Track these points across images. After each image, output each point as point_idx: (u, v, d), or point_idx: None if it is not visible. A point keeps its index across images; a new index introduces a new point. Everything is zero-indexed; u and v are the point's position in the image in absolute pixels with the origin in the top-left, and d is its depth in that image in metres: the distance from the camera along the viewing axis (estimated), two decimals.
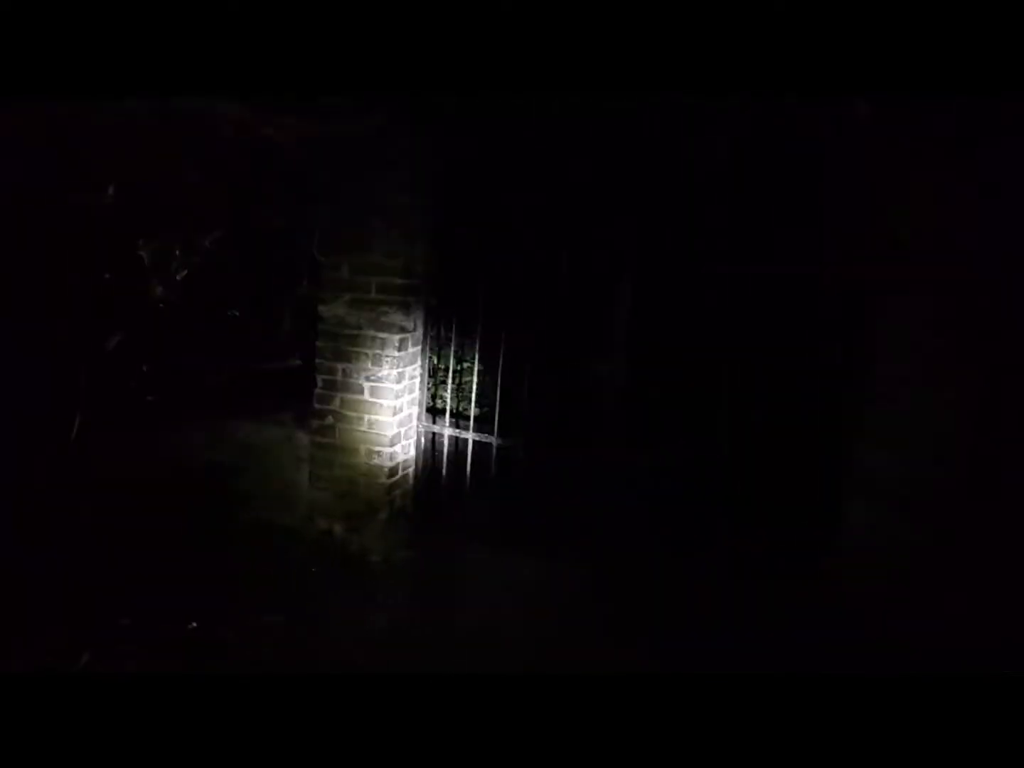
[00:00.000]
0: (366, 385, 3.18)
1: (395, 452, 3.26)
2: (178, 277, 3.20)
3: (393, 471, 3.28)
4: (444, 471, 3.36)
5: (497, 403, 3.18)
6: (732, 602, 2.77)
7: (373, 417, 3.20)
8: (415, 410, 3.37)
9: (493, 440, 3.20)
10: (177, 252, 3.11)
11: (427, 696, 1.53)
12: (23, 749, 1.22)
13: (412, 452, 3.42)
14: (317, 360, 3.26)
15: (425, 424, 3.39)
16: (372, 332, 3.14)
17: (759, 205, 2.86)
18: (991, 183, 2.33)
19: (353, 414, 3.22)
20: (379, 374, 3.16)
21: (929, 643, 2.33)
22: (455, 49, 1.56)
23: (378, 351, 3.14)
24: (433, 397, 3.54)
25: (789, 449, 2.87)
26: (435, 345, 3.40)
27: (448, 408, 3.41)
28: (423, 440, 3.40)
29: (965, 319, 2.38)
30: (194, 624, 2.10)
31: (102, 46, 1.50)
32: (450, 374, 3.33)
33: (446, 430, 3.35)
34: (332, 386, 3.24)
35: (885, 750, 1.35)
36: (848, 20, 1.46)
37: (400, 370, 3.19)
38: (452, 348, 3.29)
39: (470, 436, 3.26)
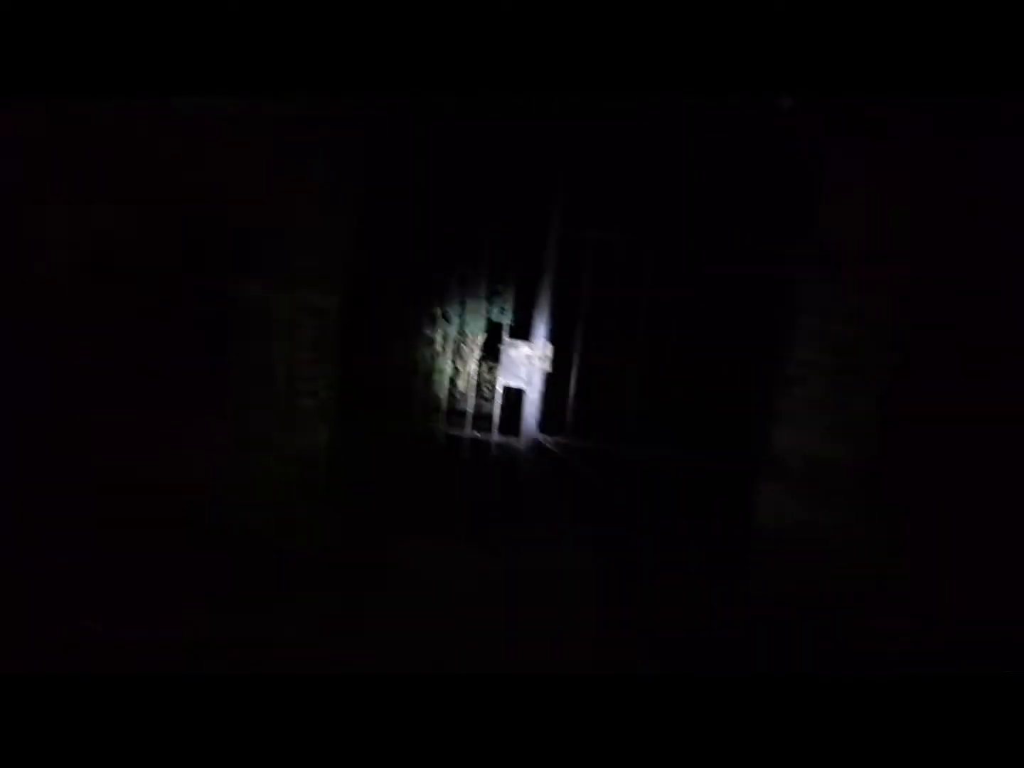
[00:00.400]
0: None
1: None
2: None
3: None
4: None
5: None
6: (644, 584, 2.94)
7: None
8: None
9: None
10: None
11: (424, 696, 1.54)
12: (23, 749, 1.23)
13: None
14: None
15: None
16: None
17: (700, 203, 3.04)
18: (919, 184, 2.49)
19: None
20: None
21: (839, 624, 2.55)
22: (455, 49, 1.57)
23: None
24: None
25: (707, 433, 3.10)
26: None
27: None
28: None
29: (878, 312, 2.57)
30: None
31: (100, 45, 1.51)
32: None
33: None
34: None
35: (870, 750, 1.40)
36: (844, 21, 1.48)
37: None
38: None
39: None
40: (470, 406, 3.40)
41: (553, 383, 3.67)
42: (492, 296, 3.35)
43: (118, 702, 1.39)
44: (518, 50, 1.58)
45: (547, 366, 3.22)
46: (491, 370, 3.36)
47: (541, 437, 3.27)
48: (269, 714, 1.43)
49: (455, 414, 3.41)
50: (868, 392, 2.63)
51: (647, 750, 1.40)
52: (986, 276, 2.46)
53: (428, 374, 3.58)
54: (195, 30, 1.52)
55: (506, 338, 3.24)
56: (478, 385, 3.77)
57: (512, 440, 3.30)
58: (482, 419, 3.44)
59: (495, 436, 3.31)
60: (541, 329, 3.18)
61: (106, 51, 1.54)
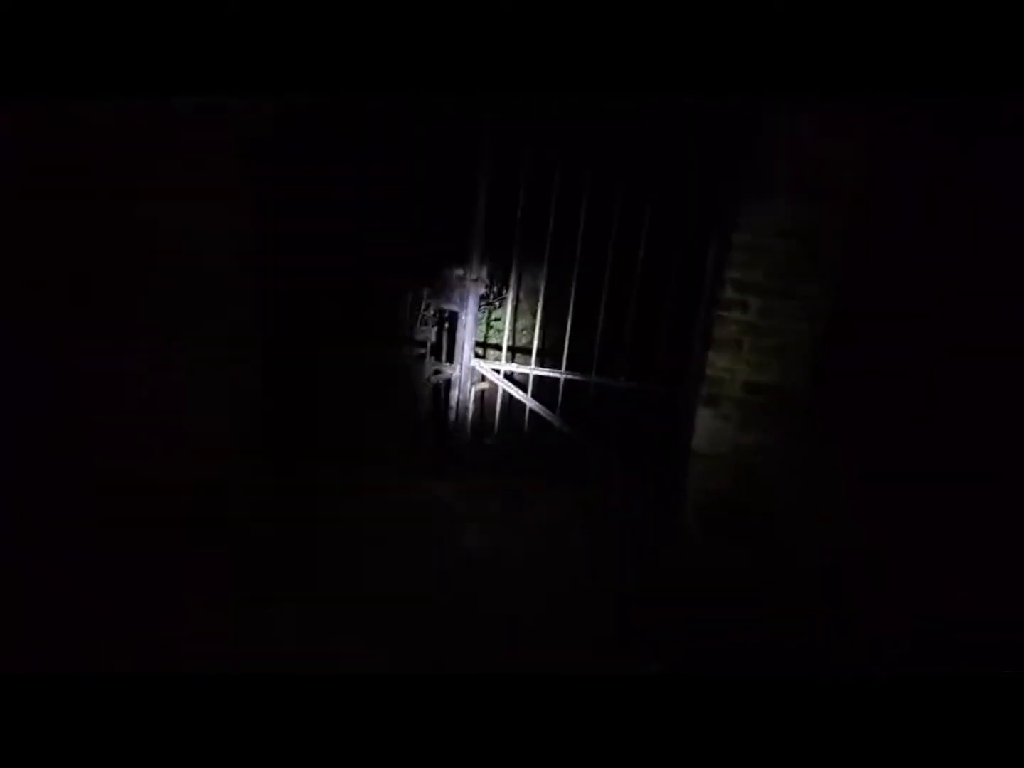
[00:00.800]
0: None
1: None
2: None
3: None
4: None
5: None
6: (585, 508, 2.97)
7: None
8: None
9: None
10: None
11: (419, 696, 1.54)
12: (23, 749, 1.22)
13: None
14: None
15: None
16: None
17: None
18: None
19: None
20: None
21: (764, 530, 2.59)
22: (456, 48, 1.55)
23: None
24: None
25: (652, 361, 3.01)
26: None
27: None
28: None
29: (817, 229, 2.47)
30: None
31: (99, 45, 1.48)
32: None
33: None
34: None
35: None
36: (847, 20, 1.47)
37: None
38: None
39: None
40: (409, 332, 3.27)
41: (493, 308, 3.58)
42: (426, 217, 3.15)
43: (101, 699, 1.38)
44: (518, 50, 1.58)
45: (481, 288, 3.08)
46: (429, 295, 3.21)
47: (476, 364, 3.17)
48: (268, 714, 1.42)
49: (394, 340, 3.29)
50: (803, 314, 2.52)
51: (643, 750, 1.40)
52: (928, 195, 2.31)
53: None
54: (195, 30, 1.50)
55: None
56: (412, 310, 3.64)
57: (446, 366, 3.20)
58: (419, 346, 3.34)
59: (429, 362, 3.20)
60: (477, 250, 3.02)
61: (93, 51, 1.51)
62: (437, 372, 3.20)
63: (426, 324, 3.20)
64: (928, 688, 1.50)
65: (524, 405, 3.17)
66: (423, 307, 3.17)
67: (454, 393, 3.18)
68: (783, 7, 1.47)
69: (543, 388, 3.16)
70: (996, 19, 1.40)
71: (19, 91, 1.57)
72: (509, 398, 3.21)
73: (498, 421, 3.24)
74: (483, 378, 3.20)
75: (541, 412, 3.16)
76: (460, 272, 3.04)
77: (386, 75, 1.63)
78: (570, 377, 3.10)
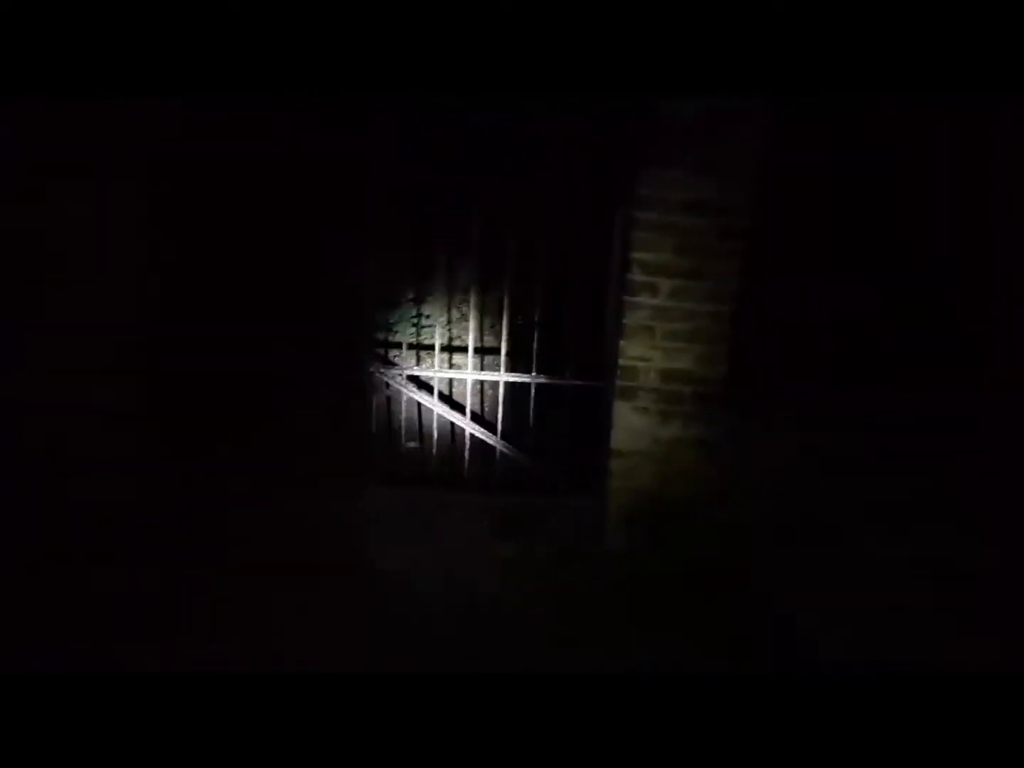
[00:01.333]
0: None
1: None
2: None
3: None
4: None
5: None
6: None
7: None
8: None
9: None
10: None
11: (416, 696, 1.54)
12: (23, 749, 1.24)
13: None
14: None
15: None
16: None
17: None
18: None
19: None
20: None
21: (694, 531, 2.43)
22: (456, 48, 1.56)
23: None
24: None
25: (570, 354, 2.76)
26: None
27: None
28: None
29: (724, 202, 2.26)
30: None
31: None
32: None
33: None
34: None
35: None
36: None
37: None
38: None
39: None
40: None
41: None
42: None
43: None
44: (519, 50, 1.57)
45: None
46: None
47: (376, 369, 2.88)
48: (267, 713, 1.43)
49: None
50: (717, 295, 2.34)
51: (641, 750, 1.39)
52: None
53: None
54: (195, 29, 1.51)
55: None
56: None
57: None
58: None
59: None
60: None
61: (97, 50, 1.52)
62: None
63: None
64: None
65: (431, 410, 2.91)
66: None
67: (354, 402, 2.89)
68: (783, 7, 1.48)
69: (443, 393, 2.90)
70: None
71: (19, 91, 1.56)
72: (412, 403, 2.93)
73: (404, 428, 2.96)
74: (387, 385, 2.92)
75: (449, 416, 2.90)
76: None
77: (385, 74, 1.63)
78: (480, 377, 2.85)
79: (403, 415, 2.91)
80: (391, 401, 2.98)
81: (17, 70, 1.51)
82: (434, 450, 2.94)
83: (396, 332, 3.00)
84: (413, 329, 3.00)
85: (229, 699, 1.45)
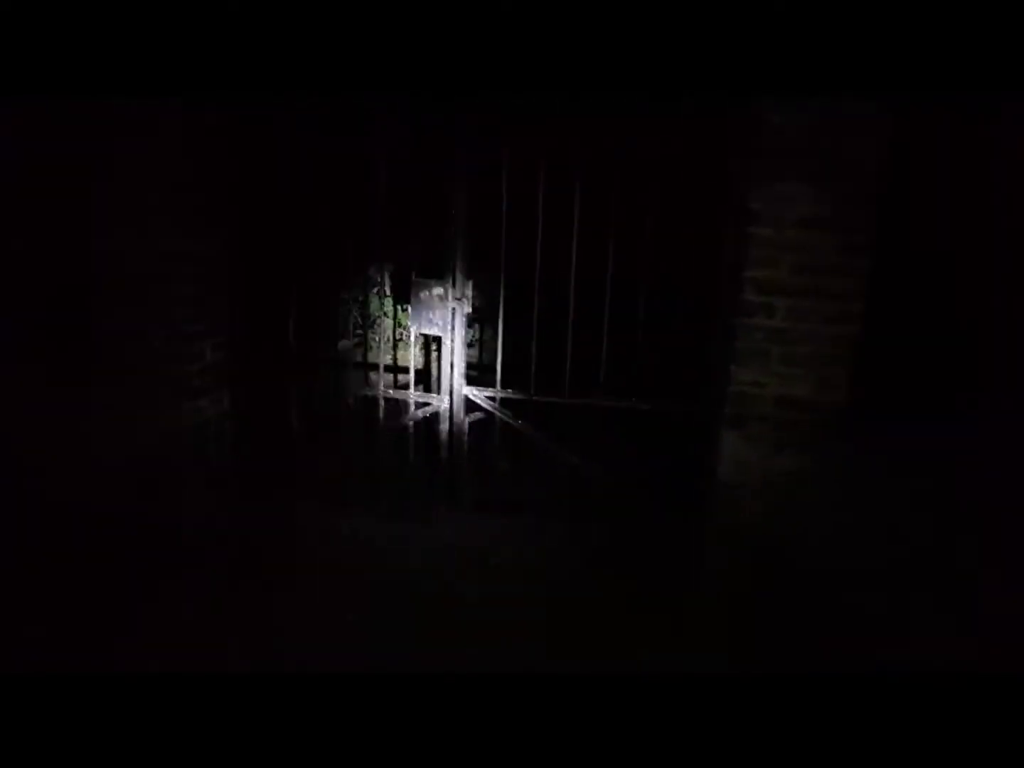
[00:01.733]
0: None
1: None
2: None
3: None
4: None
5: None
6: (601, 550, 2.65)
7: None
8: None
9: None
10: None
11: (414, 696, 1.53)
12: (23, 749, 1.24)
13: None
14: None
15: None
16: None
17: None
18: None
19: None
20: None
21: (804, 577, 2.21)
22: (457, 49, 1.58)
23: None
24: None
25: (666, 380, 2.63)
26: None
27: None
28: None
29: (845, 217, 2.08)
30: None
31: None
32: None
33: None
34: None
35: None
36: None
37: None
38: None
39: None
40: (384, 360, 2.94)
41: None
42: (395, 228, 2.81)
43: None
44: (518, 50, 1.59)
45: (467, 307, 2.74)
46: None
47: (468, 391, 2.82)
48: (266, 713, 1.43)
49: (369, 369, 2.96)
50: (837, 316, 2.15)
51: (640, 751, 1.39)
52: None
53: (336, 326, 3.12)
54: (195, 29, 1.51)
55: (414, 277, 2.74)
56: (393, 335, 3.33)
57: (433, 397, 2.85)
58: (402, 373, 3.02)
59: (412, 393, 2.86)
60: (457, 263, 2.68)
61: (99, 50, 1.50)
62: (423, 405, 2.86)
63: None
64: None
65: (516, 434, 2.82)
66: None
67: (442, 427, 2.83)
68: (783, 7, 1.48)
69: (529, 413, 2.80)
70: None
71: (19, 91, 1.55)
72: (502, 427, 2.85)
73: (497, 454, 2.88)
74: (475, 408, 2.85)
75: (543, 443, 2.80)
76: (440, 291, 2.70)
77: (384, 74, 1.64)
78: (573, 401, 2.74)
79: (497, 439, 2.84)
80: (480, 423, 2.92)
81: (17, 70, 1.50)
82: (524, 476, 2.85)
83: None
84: (500, 352, 2.93)
85: (229, 699, 1.44)
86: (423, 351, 3.50)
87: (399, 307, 3.81)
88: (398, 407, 2.89)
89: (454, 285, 2.68)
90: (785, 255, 2.12)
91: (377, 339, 3.46)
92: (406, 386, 2.87)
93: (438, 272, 2.70)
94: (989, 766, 1.27)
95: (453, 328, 2.73)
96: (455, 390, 2.80)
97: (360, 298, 3.01)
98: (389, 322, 3.73)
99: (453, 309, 2.71)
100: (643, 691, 1.61)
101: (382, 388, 2.86)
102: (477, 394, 2.83)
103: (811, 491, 2.29)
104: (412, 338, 2.86)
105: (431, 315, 2.72)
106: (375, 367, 2.92)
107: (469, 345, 3.01)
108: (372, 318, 3.46)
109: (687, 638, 2.23)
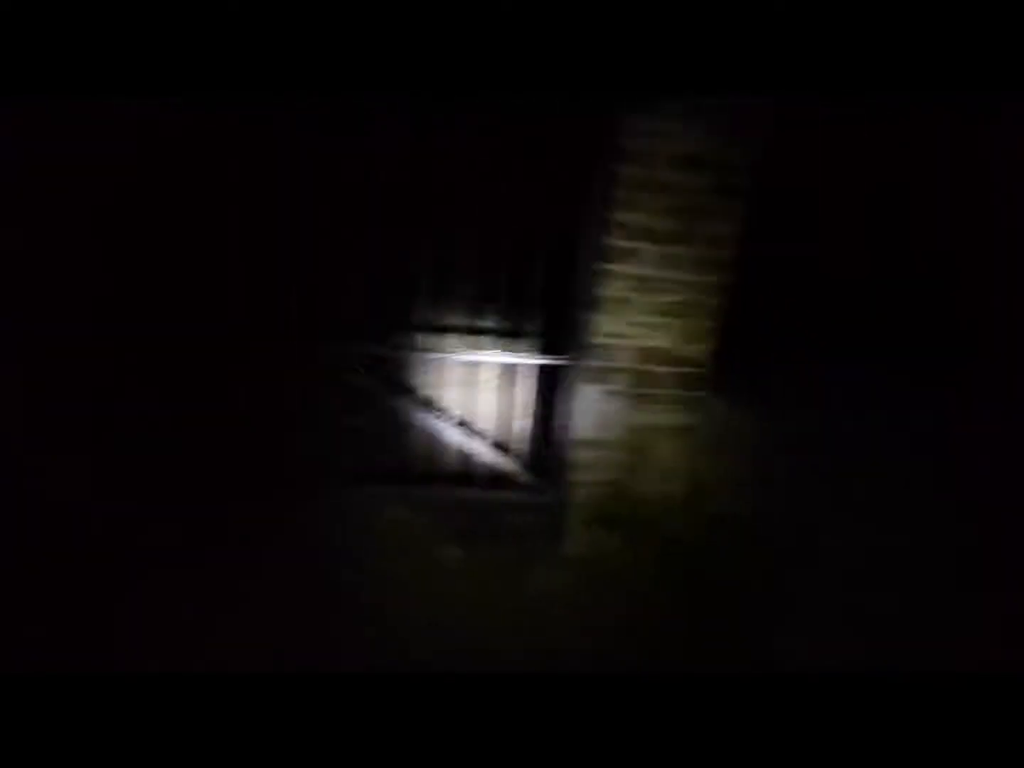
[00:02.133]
0: None
1: None
2: None
3: None
4: None
5: None
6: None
7: None
8: None
9: None
10: None
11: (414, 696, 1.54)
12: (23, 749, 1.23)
13: None
14: None
15: None
16: None
17: None
18: None
19: None
20: None
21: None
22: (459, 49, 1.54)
23: None
24: None
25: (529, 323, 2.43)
26: None
27: None
28: None
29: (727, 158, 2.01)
30: None
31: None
32: None
33: None
34: None
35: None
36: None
37: None
38: None
39: None
40: None
41: None
42: None
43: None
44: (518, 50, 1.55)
45: None
46: None
47: None
48: (265, 714, 1.42)
49: None
50: (709, 263, 2.08)
51: (640, 751, 1.39)
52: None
53: None
54: (195, 29, 1.50)
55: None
56: None
57: None
58: None
59: None
60: None
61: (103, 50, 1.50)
62: None
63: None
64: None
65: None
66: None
67: None
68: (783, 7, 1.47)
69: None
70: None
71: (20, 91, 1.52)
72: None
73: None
74: None
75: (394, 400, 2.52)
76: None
77: (385, 74, 1.59)
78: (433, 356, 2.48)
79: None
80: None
81: (17, 70, 1.51)
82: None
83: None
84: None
85: (229, 699, 1.44)
86: None
87: None
88: None
89: None
90: (658, 197, 2.00)
91: None
92: None
93: None
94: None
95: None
96: None
97: None
98: None
99: None
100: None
101: None
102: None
103: (675, 445, 2.25)
104: None
105: None
106: None
107: None
108: None
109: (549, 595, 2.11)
